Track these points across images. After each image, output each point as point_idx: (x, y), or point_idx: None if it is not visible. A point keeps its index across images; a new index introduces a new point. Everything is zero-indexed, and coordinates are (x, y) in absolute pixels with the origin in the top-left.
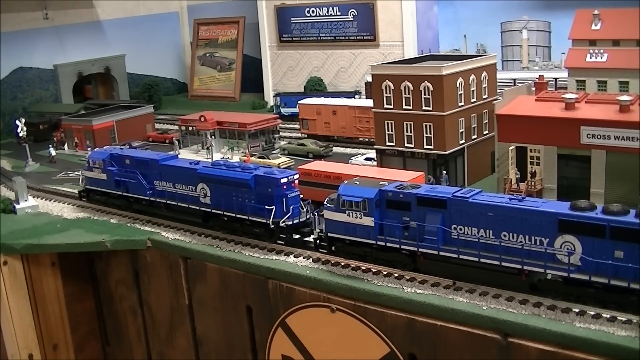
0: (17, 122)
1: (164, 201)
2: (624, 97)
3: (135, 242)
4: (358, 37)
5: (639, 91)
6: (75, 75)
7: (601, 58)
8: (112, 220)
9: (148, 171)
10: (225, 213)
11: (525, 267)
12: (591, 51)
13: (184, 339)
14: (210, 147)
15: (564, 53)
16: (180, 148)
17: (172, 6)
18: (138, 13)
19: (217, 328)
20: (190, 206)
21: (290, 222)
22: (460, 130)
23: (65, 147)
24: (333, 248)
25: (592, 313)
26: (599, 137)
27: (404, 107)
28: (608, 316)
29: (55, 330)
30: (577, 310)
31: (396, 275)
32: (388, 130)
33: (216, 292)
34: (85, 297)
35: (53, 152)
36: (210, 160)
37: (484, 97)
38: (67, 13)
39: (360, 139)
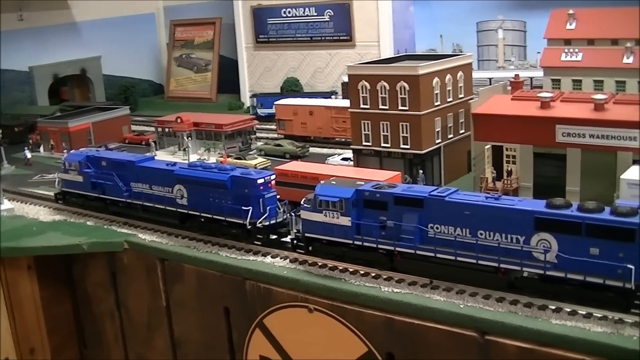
0: None
1: (141, 203)
2: (599, 96)
3: (113, 244)
4: (334, 38)
5: (614, 90)
6: (51, 77)
7: (576, 57)
8: (88, 223)
9: (125, 173)
10: (202, 214)
11: (502, 265)
12: (566, 50)
13: (162, 341)
14: (186, 149)
15: (539, 52)
16: (156, 149)
17: (149, 7)
18: (114, 14)
19: (195, 329)
20: (167, 208)
21: (268, 223)
22: (437, 130)
23: (41, 149)
24: (310, 248)
25: (569, 310)
26: (574, 135)
27: (381, 107)
28: (584, 313)
29: (31, 333)
30: (553, 308)
31: (373, 274)
32: (365, 130)
33: (194, 293)
34: (63, 300)
35: (29, 155)
36: (187, 161)
37: (460, 96)
38: (43, 14)
39: (337, 139)
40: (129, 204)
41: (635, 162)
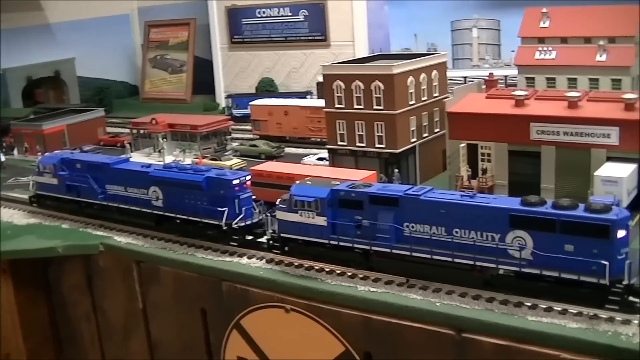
0: None
1: (116, 205)
2: (572, 94)
3: (88, 247)
4: (309, 38)
5: (588, 87)
6: (25, 79)
7: (550, 55)
8: (63, 226)
9: (99, 175)
10: (178, 216)
11: (477, 263)
12: (540, 49)
13: (139, 343)
14: (162, 150)
15: (513, 51)
16: (132, 151)
17: (123, 8)
18: (88, 16)
19: (172, 331)
20: (143, 209)
21: (243, 224)
22: (412, 129)
23: (15, 152)
24: (286, 248)
25: (544, 306)
26: (548, 133)
27: (355, 106)
28: (559, 309)
29: (7, 339)
30: (529, 304)
31: (350, 274)
32: (340, 130)
33: (170, 295)
34: (38, 304)
35: (2, 158)
36: (162, 163)
37: (435, 95)
38: (15, 16)
39: (312, 139)
40: (104, 206)
41: (609, 158)
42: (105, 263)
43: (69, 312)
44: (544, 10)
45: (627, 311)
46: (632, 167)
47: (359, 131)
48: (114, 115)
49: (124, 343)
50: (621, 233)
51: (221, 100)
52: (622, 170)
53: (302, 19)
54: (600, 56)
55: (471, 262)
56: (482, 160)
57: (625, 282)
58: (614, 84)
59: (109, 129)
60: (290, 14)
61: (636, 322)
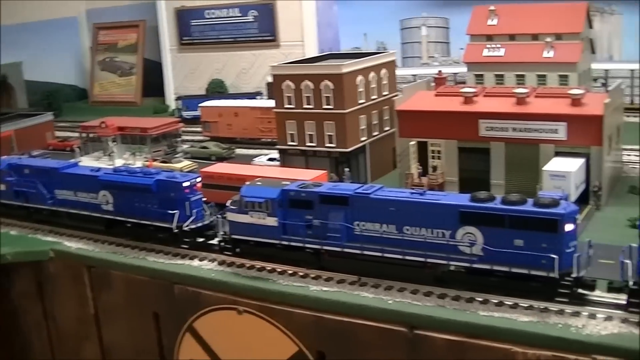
0: None
1: (66, 210)
2: (520, 90)
3: (38, 253)
4: (259, 38)
5: (535, 83)
6: None
7: (498, 52)
8: (12, 232)
9: (48, 180)
10: (128, 219)
11: (428, 260)
12: (488, 46)
13: (91, 349)
14: (112, 154)
15: (462, 48)
16: (81, 155)
17: (71, 11)
18: (35, 18)
19: (124, 336)
20: (93, 214)
21: (194, 226)
22: (362, 128)
23: None
24: (238, 250)
25: (495, 301)
26: (497, 129)
27: (305, 106)
28: (511, 303)
29: None
30: (480, 300)
31: (301, 274)
32: (290, 130)
33: (122, 299)
34: None
35: None
36: (112, 166)
37: (385, 93)
38: None
39: (263, 139)
40: (54, 211)
41: (557, 153)
42: (56, 269)
43: (19, 320)
44: (492, 8)
45: (576, 303)
46: (580, 161)
47: (309, 131)
48: (63, 119)
49: (76, 350)
50: (569, 227)
51: (171, 102)
52: (570, 165)
53: (252, 20)
54: (548, 53)
55: (422, 259)
56: (433, 157)
57: (574, 274)
58: (561, 80)
59: (58, 133)
60: (239, 14)
61: (585, 314)
